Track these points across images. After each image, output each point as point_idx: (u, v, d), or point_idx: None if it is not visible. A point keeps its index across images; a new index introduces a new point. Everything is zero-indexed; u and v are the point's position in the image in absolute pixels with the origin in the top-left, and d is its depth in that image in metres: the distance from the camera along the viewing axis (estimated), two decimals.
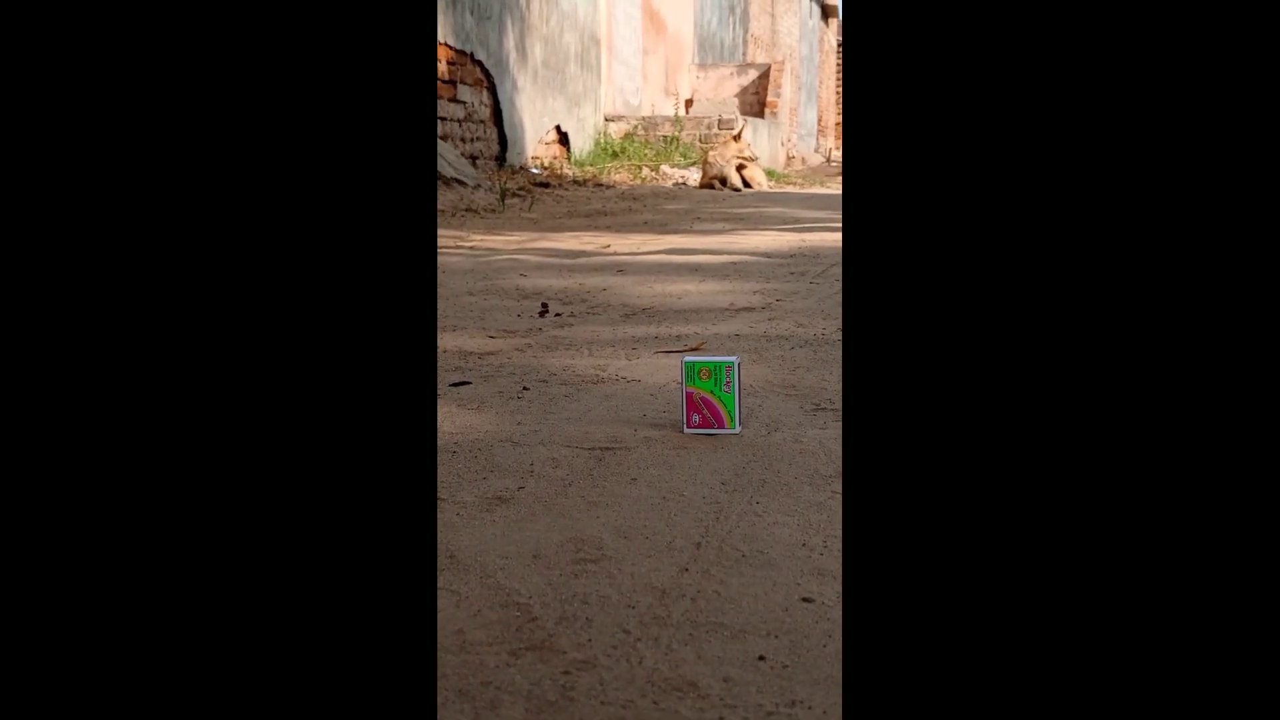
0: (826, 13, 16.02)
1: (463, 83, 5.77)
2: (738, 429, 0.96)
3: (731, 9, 11.38)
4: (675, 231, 3.57)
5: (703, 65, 10.71)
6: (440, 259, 2.63)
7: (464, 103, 5.79)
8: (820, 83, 15.80)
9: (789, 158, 11.20)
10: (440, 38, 5.38)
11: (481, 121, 6.05)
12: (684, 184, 6.84)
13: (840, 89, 18.12)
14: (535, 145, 6.83)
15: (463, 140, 5.76)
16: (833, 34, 16.48)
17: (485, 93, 6.10)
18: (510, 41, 6.42)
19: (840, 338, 1.51)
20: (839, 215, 4.61)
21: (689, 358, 0.97)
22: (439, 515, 0.72)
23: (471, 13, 5.81)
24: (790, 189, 7.05)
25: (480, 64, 6.01)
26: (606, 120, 8.28)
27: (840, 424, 1.01)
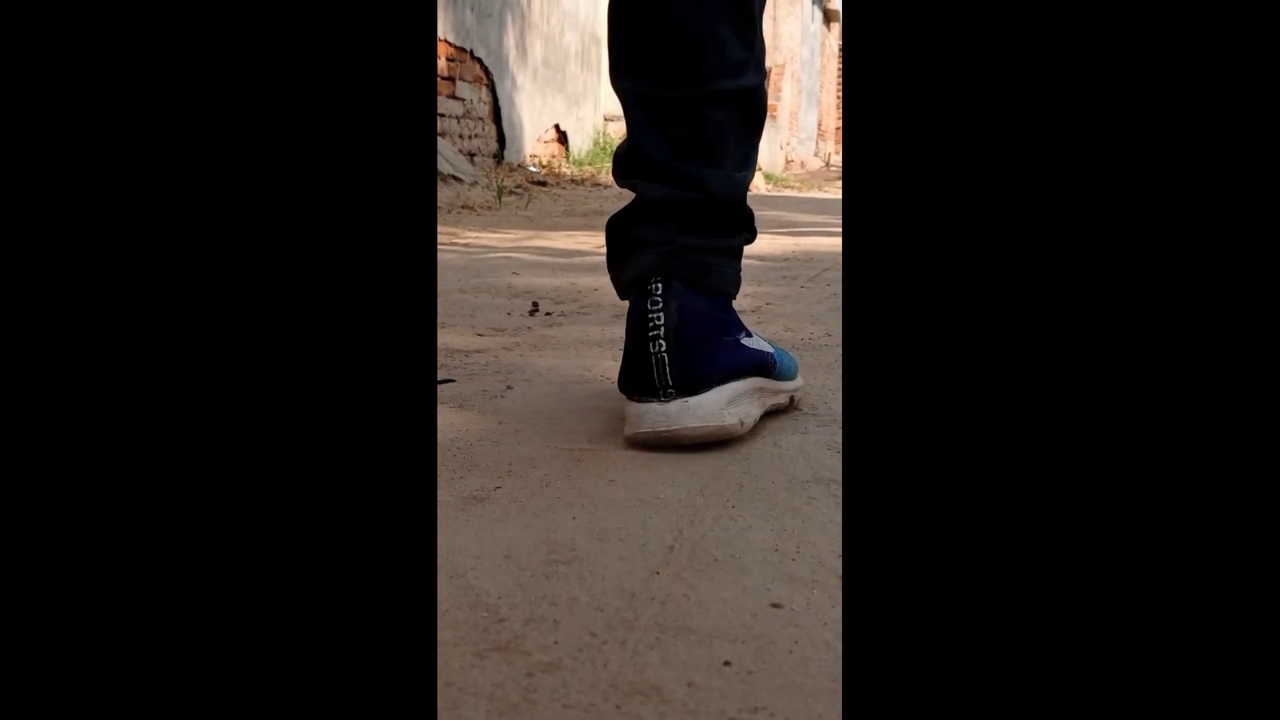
0: (828, 17, 16.01)
1: (462, 79, 5.77)
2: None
3: None
4: None
5: None
6: None
7: (463, 99, 5.79)
8: (821, 87, 15.79)
9: (788, 161, 11.19)
10: (440, 34, 5.37)
11: (480, 119, 6.05)
12: None
13: (841, 93, 18.11)
14: (534, 143, 6.83)
15: (461, 137, 5.76)
16: (834, 38, 16.47)
17: (484, 90, 6.10)
18: (510, 39, 6.42)
19: (827, 342, 1.51)
20: (835, 220, 4.61)
21: None
22: None
23: (472, 9, 5.81)
24: (788, 193, 7.05)
25: (480, 61, 6.00)
26: (606, 120, 8.27)
27: (821, 429, 1.01)
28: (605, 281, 2.23)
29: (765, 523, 0.75)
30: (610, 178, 6.62)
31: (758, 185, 6.83)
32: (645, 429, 0.90)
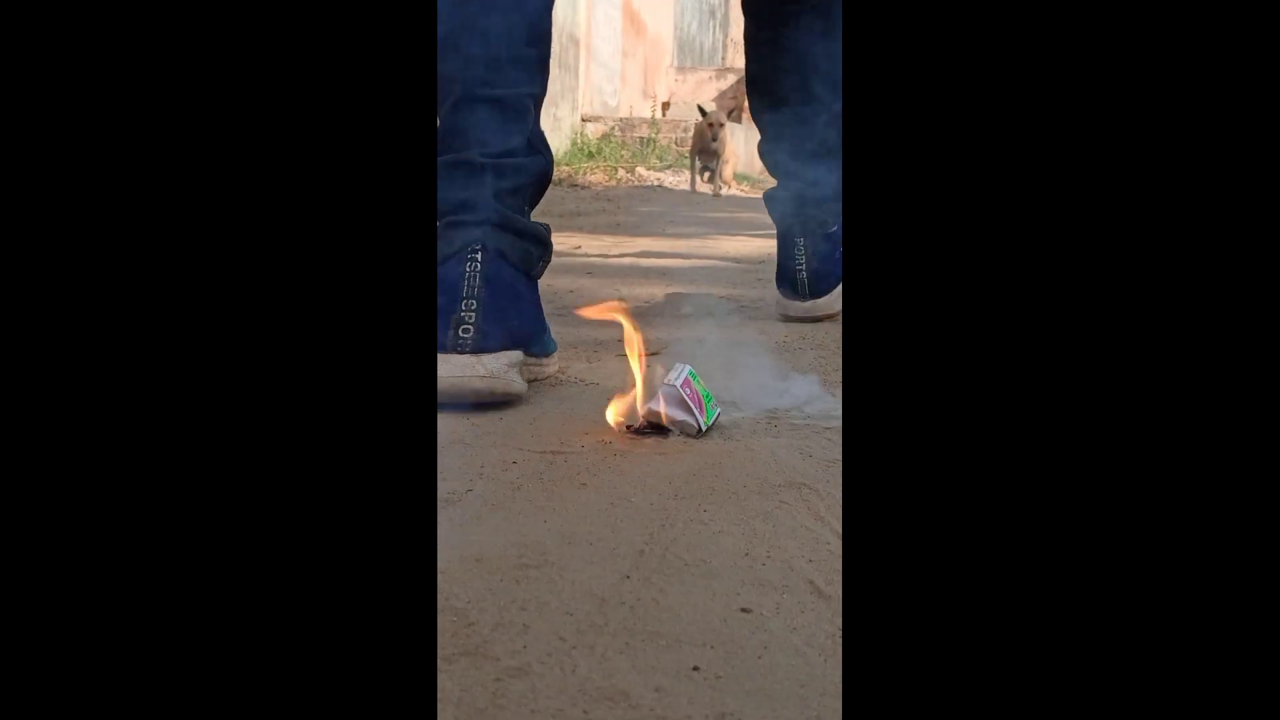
0: None
1: None
2: (704, 428, 0.97)
3: (712, 13, 11.39)
4: (648, 234, 3.57)
5: (681, 68, 10.73)
6: None
7: None
8: None
9: None
10: None
11: None
12: (659, 186, 6.84)
13: None
14: None
15: None
16: None
17: None
18: None
19: (800, 345, 1.51)
20: None
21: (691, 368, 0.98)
22: None
23: None
24: None
25: None
26: (583, 121, 8.27)
27: (793, 433, 1.01)
28: (581, 283, 2.22)
29: (736, 527, 0.75)
30: (587, 179, 6.62)
31: (731, 187, 6.86)
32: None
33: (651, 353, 1.43)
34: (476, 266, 0.99)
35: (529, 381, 1.14)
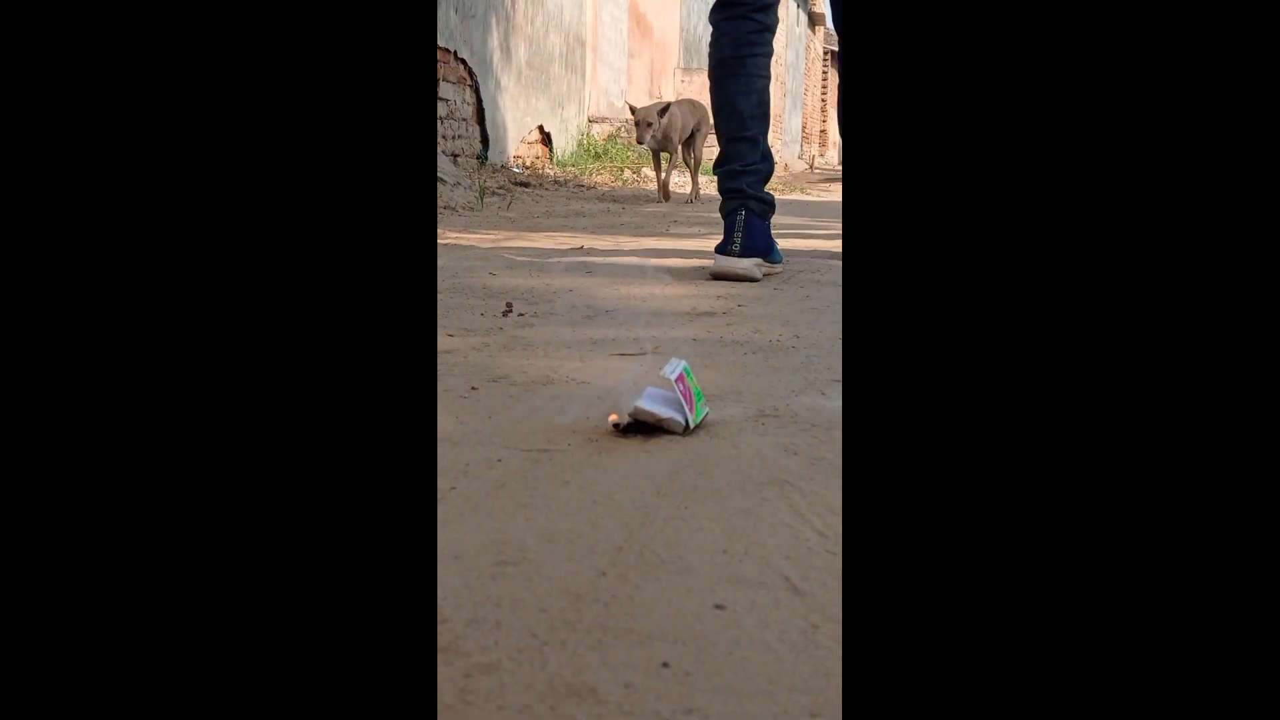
0: (813, 20, 16.04)
1: (445, 80, 5.76)
2: (692, 425, 0.97)
3: None
4: (650, 234, 3.57)
5: (688, 69, 10.72)
6: None
7: (446, 100, 5.78)
8: (805, 90, 15.81)
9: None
10: None
11: (464, 119, 6.04)
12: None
13: (825, 96, 18.16)
14: (517, 145, 6.82)
15: (444, 138, 5.74)
16: (819, 41, 16.49)
17: (468, 91, 6.09)
18: (494, 40, 6.41)
19: (794, 344, 1.51)
20: (814, 223, 4.62)
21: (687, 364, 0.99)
22: None
23: (455, 10, 5.80)
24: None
25: (464, 62, 5.99)
26: (590, 122, 8.27)
27: (780, 431, 1.01)
28: (581, 282, 2.23)
29: (716, 524, 0.75)
30: (593, 180, 6.62)
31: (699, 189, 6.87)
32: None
33: (648, 351, 1.43)
34: (742, 217, 2.23)
35: (764, 275, 2.34)
